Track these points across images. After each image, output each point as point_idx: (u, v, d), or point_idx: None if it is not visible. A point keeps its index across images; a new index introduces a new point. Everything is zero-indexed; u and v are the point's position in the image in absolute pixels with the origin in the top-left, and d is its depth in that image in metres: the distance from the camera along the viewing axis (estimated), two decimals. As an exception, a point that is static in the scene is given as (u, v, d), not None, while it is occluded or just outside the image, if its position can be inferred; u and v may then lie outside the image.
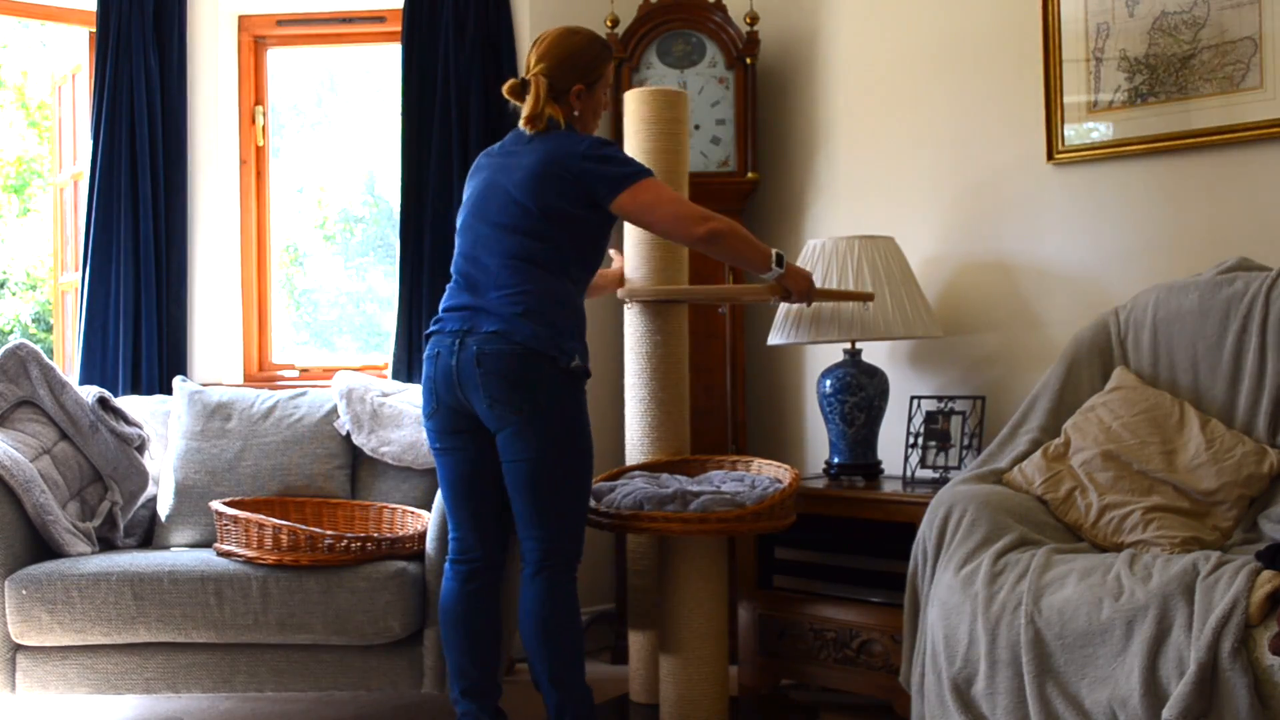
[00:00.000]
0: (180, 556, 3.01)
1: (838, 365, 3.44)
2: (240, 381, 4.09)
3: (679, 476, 3.09)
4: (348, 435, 3.44)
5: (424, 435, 3.36)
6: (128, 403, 3.54)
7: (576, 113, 2.76)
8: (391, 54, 4.13)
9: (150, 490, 3.42)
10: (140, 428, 3.44)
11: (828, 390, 3.42)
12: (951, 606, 2.51)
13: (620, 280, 3.28)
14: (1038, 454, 2.82)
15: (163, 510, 3.36)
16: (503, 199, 2.67)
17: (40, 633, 2.91)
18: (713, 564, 2.94)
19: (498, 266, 2.64)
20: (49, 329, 7.45)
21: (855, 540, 3.21)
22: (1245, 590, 2.13)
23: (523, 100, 2.73)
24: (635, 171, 2.65)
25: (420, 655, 2.93)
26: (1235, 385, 2.76)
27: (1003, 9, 3.46)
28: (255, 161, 4.19)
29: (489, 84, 3.85)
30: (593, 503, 2.91)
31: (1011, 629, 2.38)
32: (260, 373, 4.18)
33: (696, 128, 3.83)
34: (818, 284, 3.30)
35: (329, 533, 2.91)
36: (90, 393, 3.35)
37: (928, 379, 3.65)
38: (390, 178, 4.59)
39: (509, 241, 2.64)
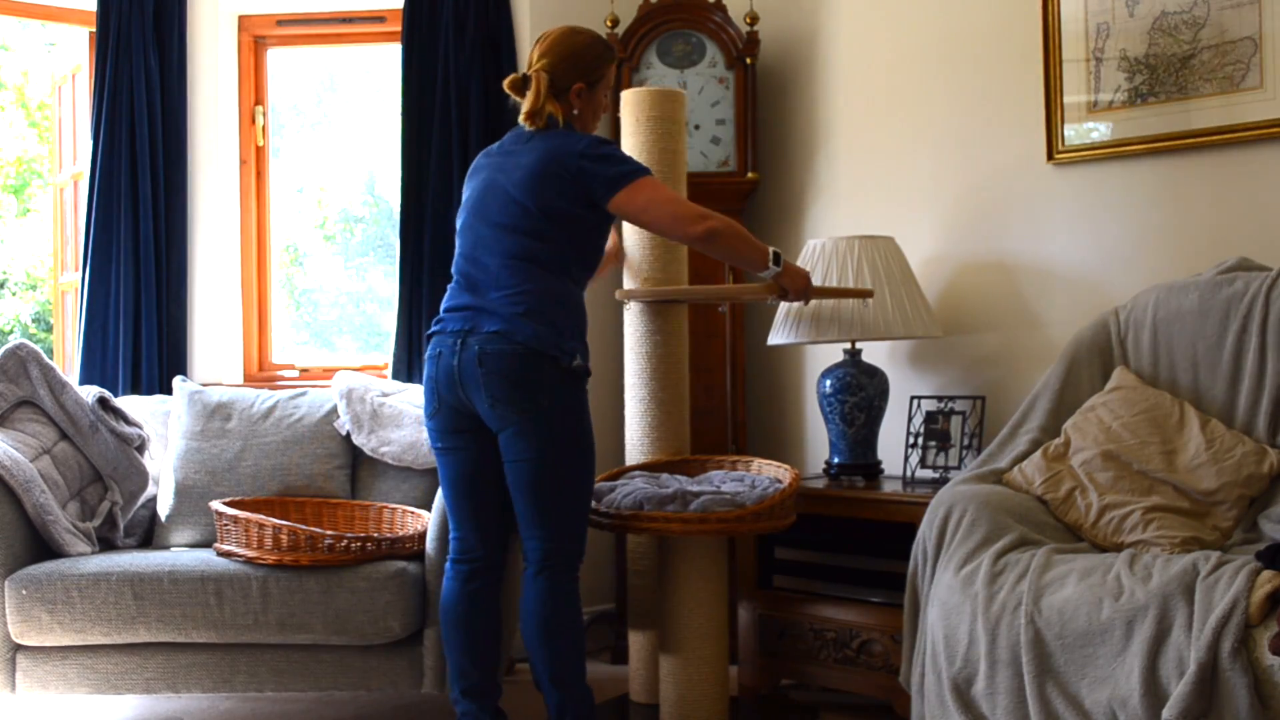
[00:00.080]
0: (180, 556, 3.01)
1: (838, 365, 3.44)
2: (240, 381, 4.09)
3: (679, 476, 3.09)
4: (348, 435, 3.44)
5: (424, 435, 3.37)
6: (128, 403, 3.54)
7: (576, 111, 2.76)
8: (391, 54, 4.13)
9: (150, 490, 3.42)
10: (140, 428, 3.44)
11: (828, 390, 3.42)
12: (951, 606, 2.51)
13: (619, 253, 3.26)
14: (1038, 454, 2.82)
15: (163, 510, 3.36)
16: (502, 199, 2.67)
17: (40, 633, 2.91)
18: (713, 564, 2.94)
19: (498, 266, 2.64)
20: (49, 329, 7.46)
21: (855, 540, 3.21)
22: (1245, 590, 2.13)
23: (523, 96, 2.74)
24: (633, 170, 2.65)
25: (420, 655, 2.93)
26: (1235, 385, 2.75)
27: (1003, 9, 3.46)
28: (255, 161, 4.19)
29: (489, 84, 3.85)
30: (593, 503, 2.91)
31: (1011, 629, 2.38)
32: (260, 373, 4.18)
33: (696, 128, 3.83)
34: (817, 283, 3.31)
35: (329, 533, 2.91)
36: (90, 393, 3.35)
37: (928, 379, 3.65)
38: (390, 178, 4.59)
39: (509, 241, 2.64)
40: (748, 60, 3.82)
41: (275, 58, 4.25)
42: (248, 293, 4.16)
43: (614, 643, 3.81)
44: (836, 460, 3.44)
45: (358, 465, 3.47)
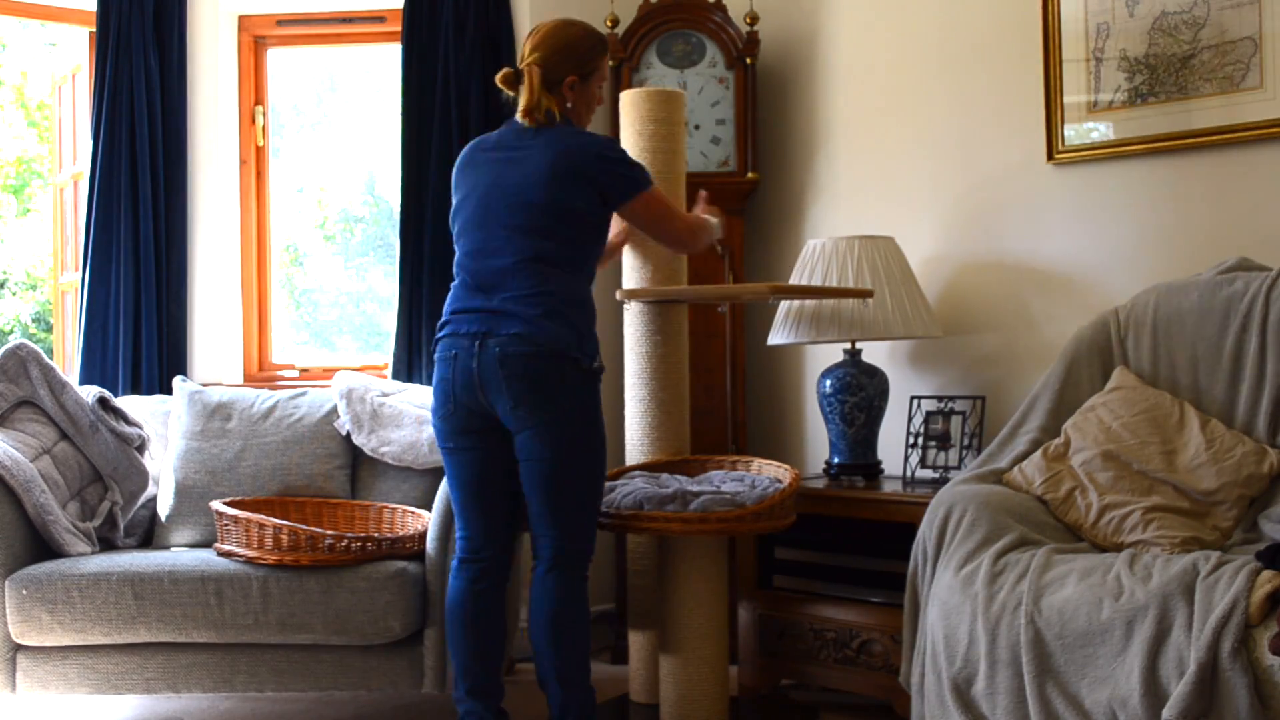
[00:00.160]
0: (180, 556, 3.01)
1: (838, 365, 3.45)
2: (240, 381, 4.10)
3: (679, 476, 3.09)
4: (348, 435, 3.44)
5: (424, 435, 3.37)
6: (128, 403, 3.54)
7: (569, 104, 2.75)
8: (391, 54, 4.13)
9: (150, 490, 3.42)
10: (140, 428, 3.44)
11: (828, 390, 3.42)
12: (951, 606, 2.51)
13: (625, 239, 3.24)
14: (1038, 454, 2.82)
15: (163, 510, 3.36)
16: (513, 199, 2.65)
17: (40, 633, 2.91)
18: (713, 564, 2.95)
19: (512, 268, 2.63)
20: (49, 329, 7.46)
21: (855, 540, 3.21)
22: (1245, 590, 2.13)
23: (515, 90, 2.73)
24: (646, 178, 2.76)
25: (420, 655, 2.93)
26: (1235, 385, 2.76)
27: (1003, 9, 3.46)
28: (255, 161, 4.19)
29: (489, 84, 3.84)
30: (595, 502, 2.91)
31: (1011, 629, 2.38)
32: (260, 373, 4.18)
33: (696, 128, 3.83)
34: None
35: (329, 533, 2.91)
36: (90, 393, 3.35)
37: (928, 379, 3.65)
38: (390, 178, 4.59)
39: (522, 242, 2.63)
40: (748, 60, 3.82)
41: (275, 58, 4.26)
42: (248, 293, 4.16)
43: (614, 643, 3.81)
44: (836, 460, 3.44)
45: (358, 465, 3.47)
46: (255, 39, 4.18)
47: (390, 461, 3.41)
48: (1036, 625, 2.34)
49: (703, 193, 3.21)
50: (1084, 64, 3.29)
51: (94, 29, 3.97)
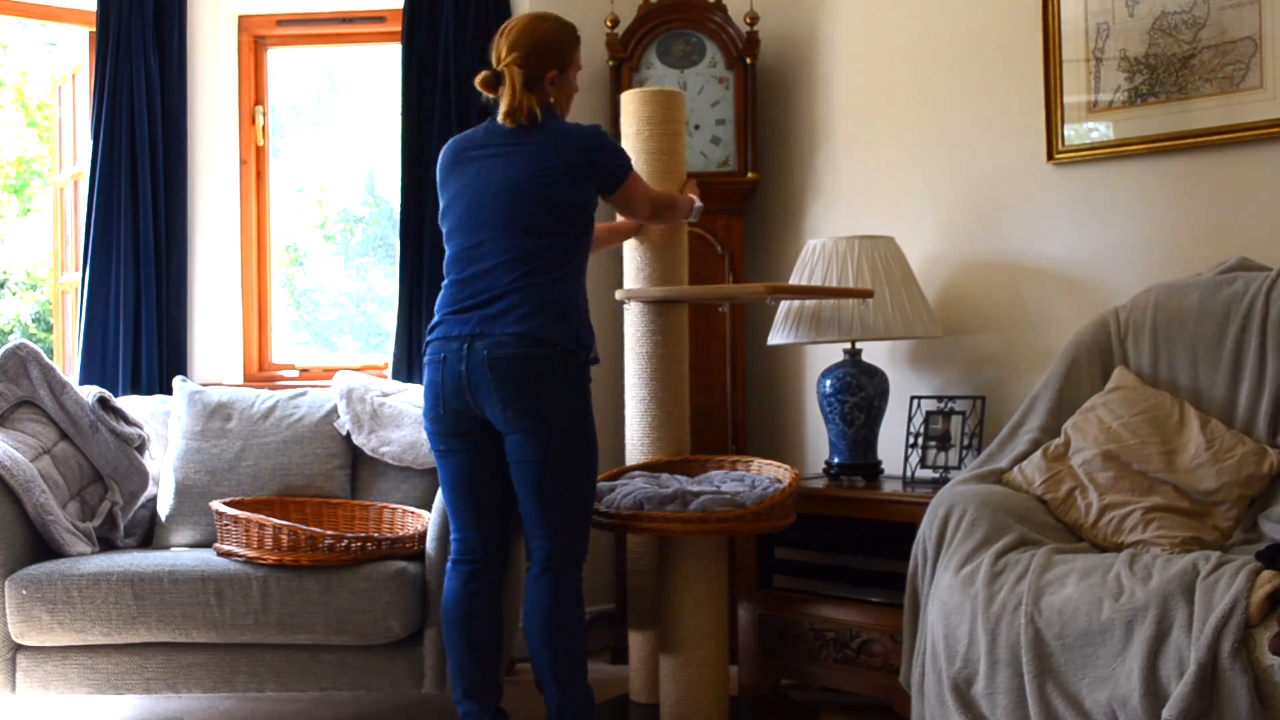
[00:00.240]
0: (180, 556, 3.01)
1: (838, 365, 3.45)
2: (240, 381, 4.10)
3: (679, 476, 3.09)
4: (348, 435, 3.44)
5: (424, 435, 3.37)
6: (128, 403, 3.54)
7: (551, 99, 2.74)
8: (391, 54, 4.13)
9: (150, 490, 3.42)
10: (140, 428, 3.44)
11: (828, 390, 3.42)
12: (951, 606, 2.51)
13: (635, 230, 3.24)
14: (1038, 454, 2.82)
15: (163, 510, 3.36)
16: (506, 197, 2.65)
17: (40, 633, 2.91)
18: (713, 564, 2.95)
19: (503, 268, 2.62)
20: (49, 329, 7.46)
21: (855, 540, 3.21)
22: (1245, 590, 2.13)
23: (494, 92, 2.72)
24: (629, 162, 2.82)
25: (420, 655, 2.93)
26: (1235, 385, 2.76)
27: (1003, 9, 3.46)
28: (255, 161, 4.19)
29: (489, 84, 3.85)
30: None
31: (1011, 629, 2.38)
32: (260, 373, 4.18)
33: (696, 128, 3.83)
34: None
35: (329, 533, 2.91)
36: (90, 393, 3.35)
37: (928, 379, 3.65)
38: (390, 178, 4.59)
39: (514, 241, 2.63)
40: (748, 60, 3.82)
41: (275, 58, 4.26)
42: (248, 293, 4.16)
43: (614, 643, 3.81)
44: (836, 460, 3.44)
45: (358, 465, 3.47)
46: (255, 39, 4.18)
47: (390, 461, 3.41)
48: (1036, 625, 2.34)
49: (691, 180, 3.26)
50: (1084, 64, 3.29)
51: (94, 29, 3.96)
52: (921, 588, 2.69)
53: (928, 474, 3.36)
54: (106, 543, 3.24)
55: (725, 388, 3.83)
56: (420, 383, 3.76)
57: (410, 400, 3.50)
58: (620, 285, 3.34)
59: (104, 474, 3.29)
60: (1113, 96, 3.25)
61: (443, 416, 2.68)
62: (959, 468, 3.26)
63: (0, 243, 8.48)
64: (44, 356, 3.29)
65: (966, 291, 3.56)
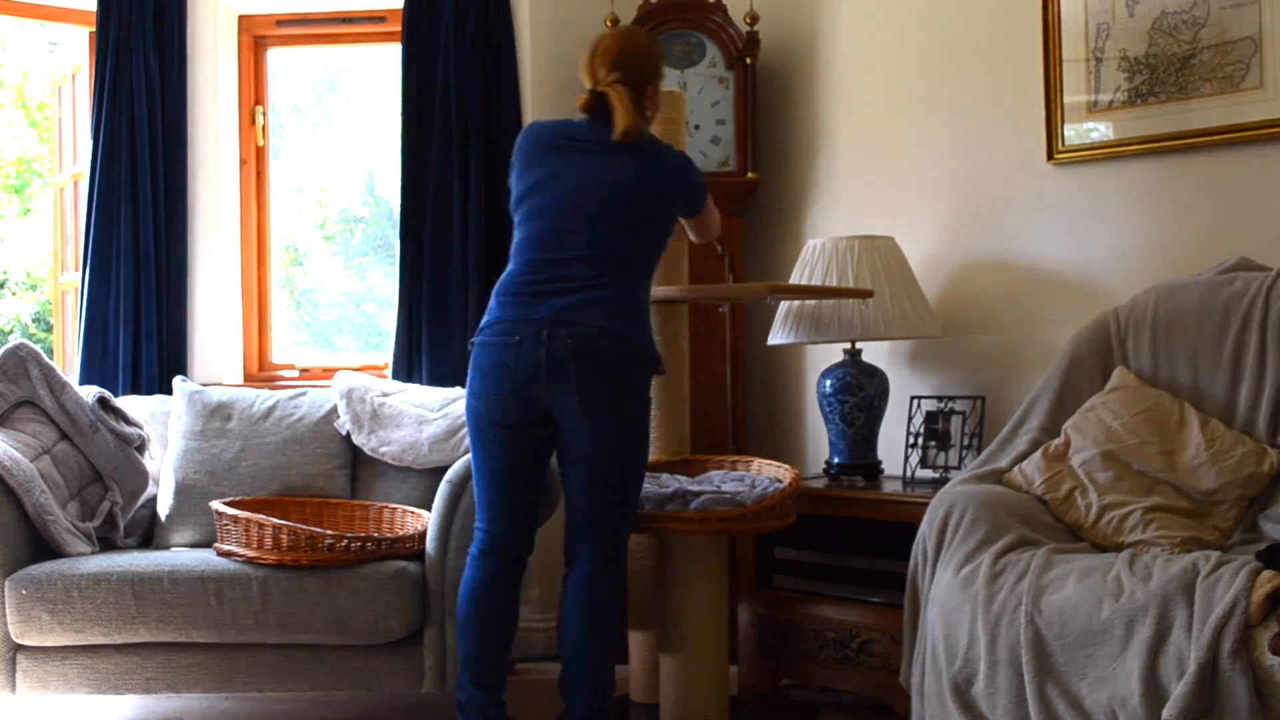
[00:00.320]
0: (180, 556, 3.01)
1: (838, 365, 3.45)
2: (240, 381, 4.10)
3: (679, 476, 3.09)
4: (348, 435, 3.44)
5: (424, 435, 3.36)
6: (128, 403, 3.54)
7: (648, 114, 2.79)
8: (391, 54, 4.13)
9: (150, 490, 3.42)
10: (140, 428, 3.44)
11: (828, 390, 3.42)
12: (951, 606, 2.51)
13: None
14: (1038, 454, 2.82)
15: (163, 510, 3.36)
16: (605, 197, 2.65)
17: (40, 633, 2.91)
18: (713, 564, 2.95)
19: (592, 261, 2.61)
20: (49, 329, 7.45)
21: (855, 540, 3.21)
22: (1245, 590, 2.13)
23: (593, 112, 2.72)
24: (709, 188, 2.91)
25: (420, 655, 2.93)
26: (1235, 385, 2.76)
27: (1003, 9, 3.46)
28: (255, 161, 4.19)
29: (489, 84, 3.85)
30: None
31: (1011, 629, 2.38)
32: (260, 373, 4.18)
33: (696, 128, 3.83)
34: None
35: (329, 533, 2.91)
36: (90, 393, 3.35)
37: (928, 379, 3.65)
38: (390, 178, 4.59)
39: (604, 239, 2.64)
40: (748, 60, 3.82)
41: (275, 58, 4.26)
42: (248, 293, 4.16)
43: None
44: (836, 460, 3.44)
45: (358, 465, 3.47)
46: (255, 39, 4.18)
47: (390, 461, 3.41)
48: (1036, 625, 2.34)
49: None
50: (1084, 64, 3.29)
51: (94, 29, 3.97)
52: (921, 588, 2.69)
53: (928, 474, 3.36)
54: (106, 543, 3.24)
55: (725, 388, 3.83)
56: (420, 383, 3.78)
57: (410, 400, 3.50)
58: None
59: (104, 474, 3.29)
60: (1113, 96, 3.25)
61: (509, 400, 2.61)
62: (959, 468, 3.26)
63: (0, 243, 8.48)
64: (44, 356, 3.29)
65: (966, 291, 3.56)
